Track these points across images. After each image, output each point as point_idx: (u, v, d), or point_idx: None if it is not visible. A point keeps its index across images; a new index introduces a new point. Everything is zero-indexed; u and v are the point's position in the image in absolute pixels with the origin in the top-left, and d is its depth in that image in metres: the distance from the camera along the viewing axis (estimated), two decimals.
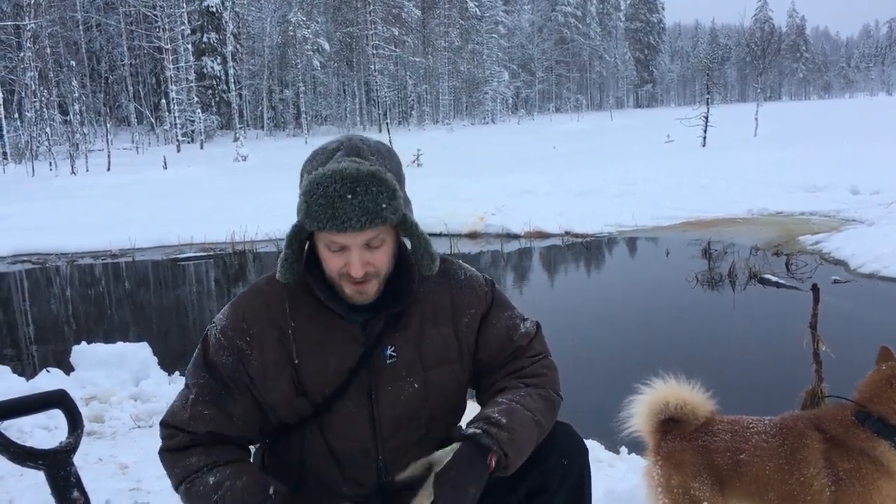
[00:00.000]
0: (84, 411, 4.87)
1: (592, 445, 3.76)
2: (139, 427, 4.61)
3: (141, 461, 4.00)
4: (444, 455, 1.81)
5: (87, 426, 4.64)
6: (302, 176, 1.84)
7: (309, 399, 1.93)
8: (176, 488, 1.89)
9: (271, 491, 1.83)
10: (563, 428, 2.07)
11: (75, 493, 1.60)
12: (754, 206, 14.13)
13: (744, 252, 10.58)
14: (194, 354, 1.98)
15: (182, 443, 1.91)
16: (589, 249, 12.29)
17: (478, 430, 1.82)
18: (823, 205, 13.95)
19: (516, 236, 13.30)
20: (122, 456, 4.10)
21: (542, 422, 1.93)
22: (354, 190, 1.73)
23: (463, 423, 2.19)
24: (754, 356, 6.40)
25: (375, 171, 1.76)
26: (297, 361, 1.91)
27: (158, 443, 4.32)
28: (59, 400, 1.76)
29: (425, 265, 1.93)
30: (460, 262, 2.15)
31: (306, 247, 1.94)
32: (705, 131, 28.02)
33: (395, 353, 1.96)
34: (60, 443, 1.67)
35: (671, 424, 2.65)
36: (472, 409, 2.19)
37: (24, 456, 1.59)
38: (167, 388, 5.26)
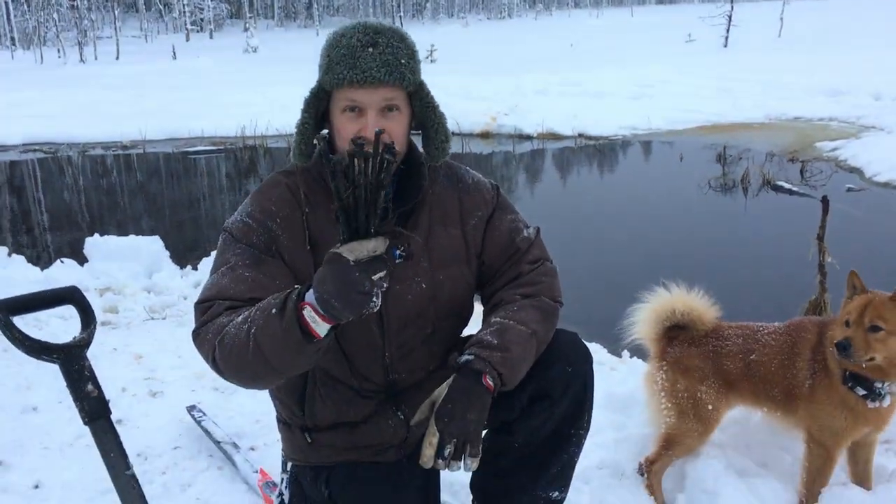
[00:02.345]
0: (99, 302, 4.97)
1: (594, 348, 3.83)
2: (153, 319, 4.71)
3: (155, 352, 4.10)
4: (443, 391, 1.81)
5: (102, 317, 4.74)
6: (323, 54, 1.85)
7: None
8: (212, 361, 1.72)
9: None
10: (567, 336, 2.08)
11: (89, 386, 1.65)
12: (773, 111, 13.87)
13: (759, 158, 10.44)
14: (217, 252, 1.91)
15: (217, 311, 1.75)
16: (601, 152, 12.16)
17: (469, 356, 1.83)
18: (844, 110, 13.65)
19: (529, 137, 13.14)
20: (136, 346, 4.20)
21: (540, 332, 1.94)
22: (376, 42, 1.76)
23: (470, 327, 2.24)
24: (760, 265, 6.41)
25: (397, 28, 1.82)
26: (310, 248, 1.89)
27: (171, 333, 4.45)
28: (70, 296, 1.78)
29: (438, 146, 1.92)
30: (467, 167, 2.15)
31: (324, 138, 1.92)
32: (728, 31, 27.15)
33: (404, 253, 1.97)
34: (74, 338, 1.70)
35: (676, 331, 2.69)
36: (479, 311, 2.21)
37: (39, 350, 1.63)
38: (179, 282, 5.34)
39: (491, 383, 1.81)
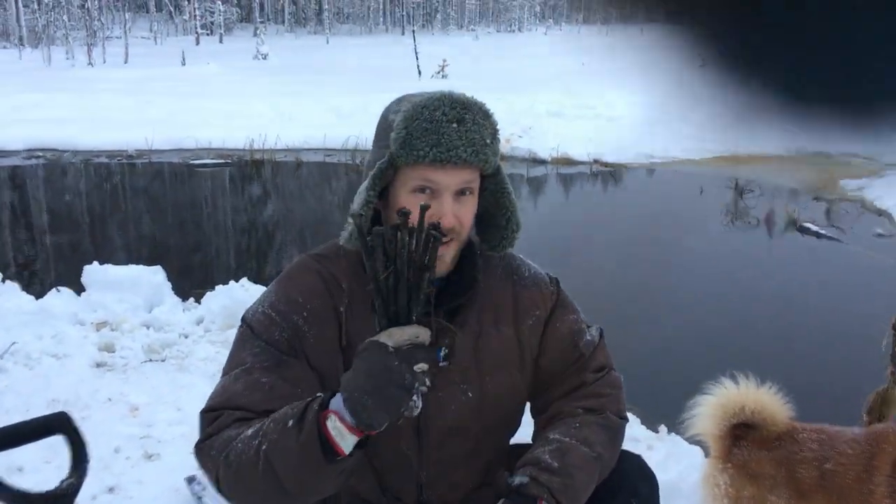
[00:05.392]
0: (94, 338, 4.67)
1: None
2: (151, 361, 4.41)
3: (153, 402, 3.80)
4: None
5: (98, 356, 4.44)
6: (386, 117, 1.61)
7: None
8: (216, 481, 1.47)
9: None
10: (633, 461, 1.83)
11: None
12: (792, 144, 13.59)
13: (781, 194, 10.19)
14: (233, 347, 1.66)
15: (225, 423, 1.50)
16: (618, 181, 11.89)
17: (524, 479, 1.60)
18: (864, 146, 13.41)
19: (543, 162, 12.88)
20: (132, 395, 3.87)
21: (604, 455, 1.71)
22: (462, 118, 1.54)
23: (518, 437, 1.97)
24: (795, 326, 5.80)
25: (482, 103, 1.61)
26: (345, 345, 1.63)
27: (171, 379, 4.13)
28: (59, 425, 1.44)
29: (508, 236, 1.71)
30: (522, 257, 1.89)
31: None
32: None
33: (448, 353, 1.69)
34: (62, 482, 1.37)
35: (743, 430, 2.42)
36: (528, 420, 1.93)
37: (14, 500, 1.31)
38: (181, 317, 5.05)
39: None
